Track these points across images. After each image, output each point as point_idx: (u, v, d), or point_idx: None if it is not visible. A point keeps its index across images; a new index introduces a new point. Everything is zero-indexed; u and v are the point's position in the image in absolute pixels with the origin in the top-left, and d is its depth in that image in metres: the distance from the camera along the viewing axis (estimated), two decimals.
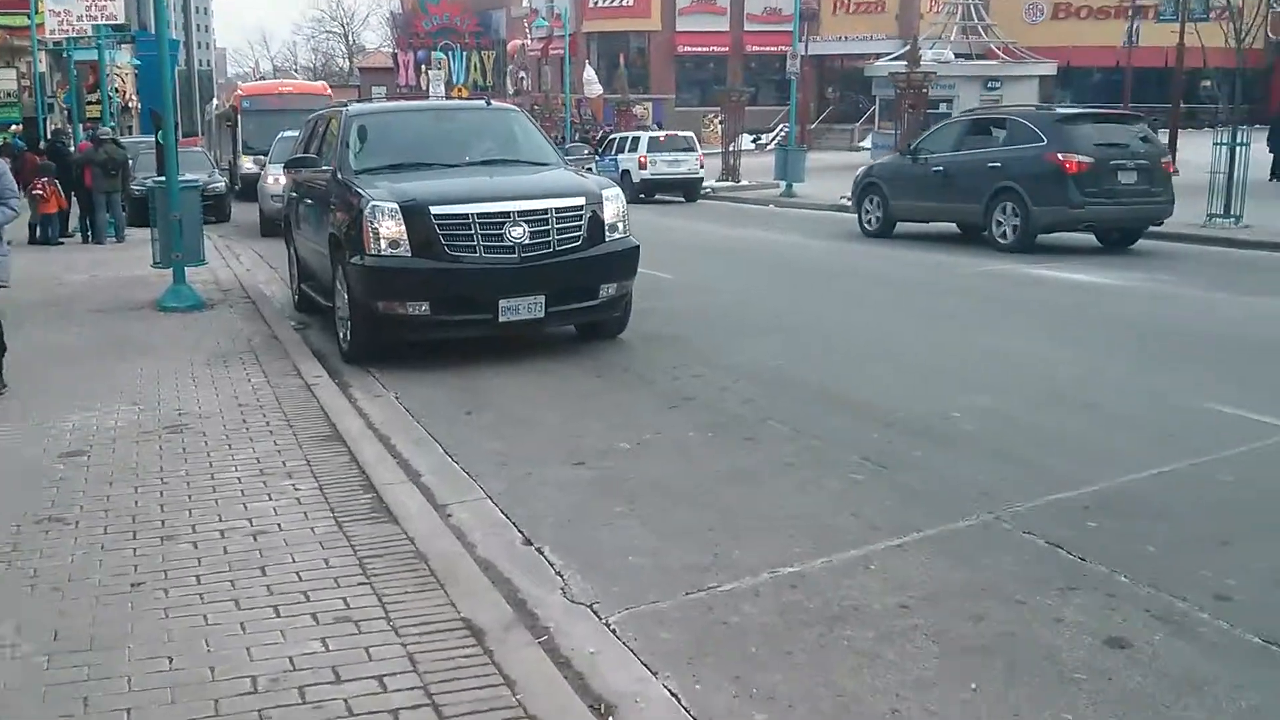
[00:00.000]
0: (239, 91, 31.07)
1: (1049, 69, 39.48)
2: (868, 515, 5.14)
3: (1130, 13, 46.36)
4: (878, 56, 43.06)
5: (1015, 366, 8.21)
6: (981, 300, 11.23)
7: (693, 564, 4.65)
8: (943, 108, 35.48)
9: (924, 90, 30.98)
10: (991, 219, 14.97)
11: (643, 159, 27.25)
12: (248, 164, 27.69)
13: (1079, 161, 14.09)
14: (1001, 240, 14.85)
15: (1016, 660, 3.77)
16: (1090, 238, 15.36)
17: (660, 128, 40.22)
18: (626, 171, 27.03)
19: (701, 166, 27.97)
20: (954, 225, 16.70)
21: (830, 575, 4.48)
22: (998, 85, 36.78)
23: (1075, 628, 3.99)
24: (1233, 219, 16.37)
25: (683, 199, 27.54)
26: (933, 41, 38.26)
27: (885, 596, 4.28)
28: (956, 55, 37.72)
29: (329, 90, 32.33)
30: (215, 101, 44.80)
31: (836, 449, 6.17)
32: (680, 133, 30.26)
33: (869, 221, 17.66)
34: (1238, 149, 16.30)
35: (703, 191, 28.68)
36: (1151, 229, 15.36)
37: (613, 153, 28.81)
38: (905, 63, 32.87)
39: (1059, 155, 14.20)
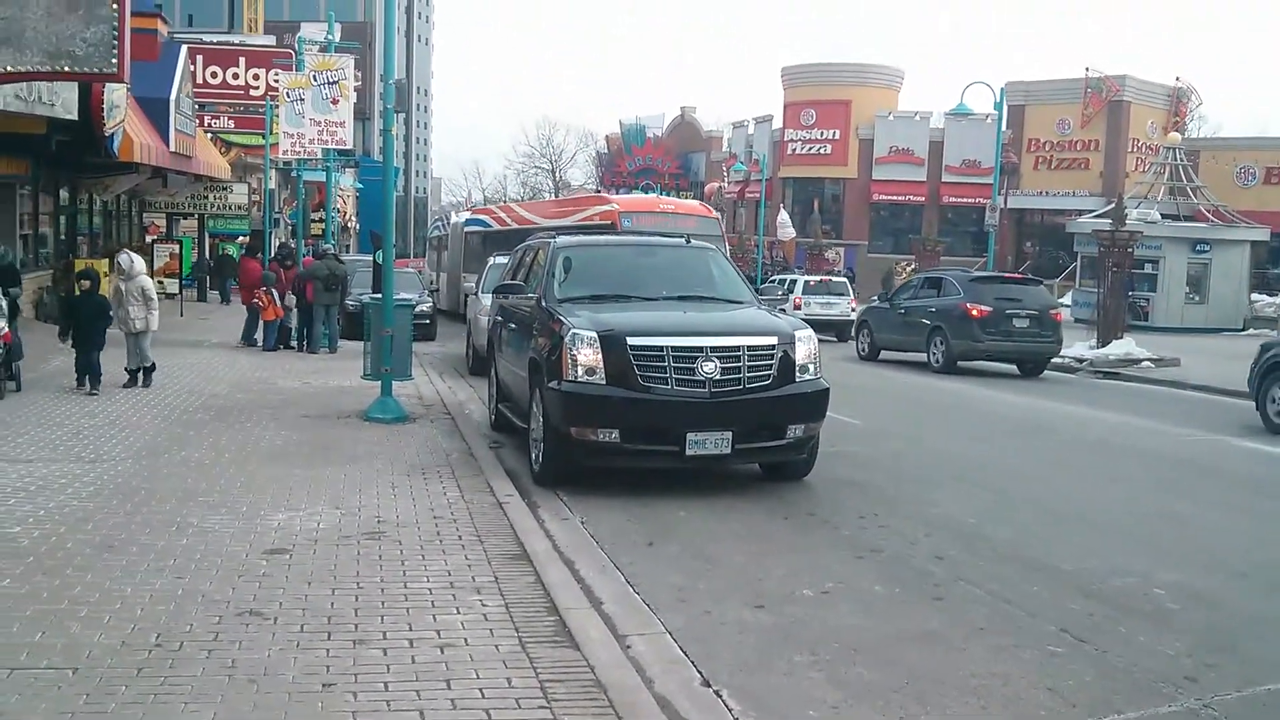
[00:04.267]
0: (614, 206, 23.10)
1: (1261, 234, 37.83)
2: (1065, 691, 4.88)
3: None
4: (1079, 213, 42.16)
5: (1219, 541, 7.75)
6: (1174, 465, 10.66)
7: None
8: (1148, 268, 34.36)
9: (1129, 250, 30.15)
10: (929, 349, 20.39)
11: (797, 300, 28.00)
12: None
13: (980, 309, 19.49)
14: (935, 364, 20.07)
15: None
16: (1013, 368, 20.17)
17: (852, 273, 40.37)
18: (783, 310, 27.39)
19: (853, 310, 28.76)
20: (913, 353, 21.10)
21: None
22: (1207, 249, 35.44)
23: None
24: None
25: (835, 339, 27.79)
26: (1139, 200, 37.27)
27: None
28: (1163, 215, 36.56)
29: (715, 213, 24.95)
30: (451, 218, 41.52)
31: (1032, 617, 5.91)
32: (834, 278, 31.08)
33: (861, 349, 23.08)
34: None
35: None
36: None
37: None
38: (1110, 220, 32.10)
39: (968, 304, 19.63)
